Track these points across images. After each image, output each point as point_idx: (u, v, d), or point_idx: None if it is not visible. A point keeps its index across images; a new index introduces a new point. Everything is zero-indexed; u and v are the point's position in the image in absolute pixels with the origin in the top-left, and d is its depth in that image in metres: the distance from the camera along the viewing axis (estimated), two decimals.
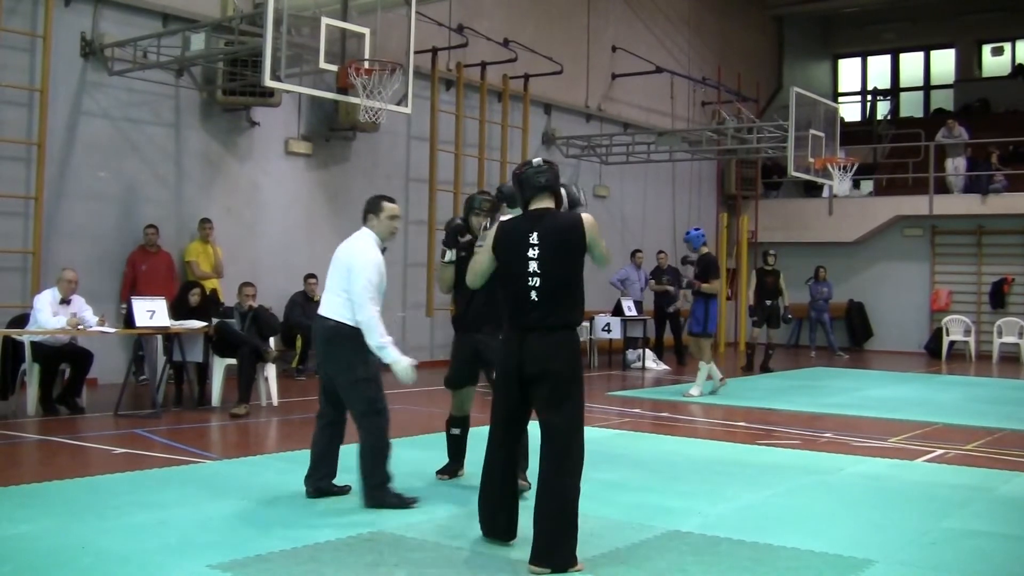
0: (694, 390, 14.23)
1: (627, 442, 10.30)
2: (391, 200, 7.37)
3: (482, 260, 6.12)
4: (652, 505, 7.27)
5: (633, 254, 19.90)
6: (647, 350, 18.81)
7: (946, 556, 6.17)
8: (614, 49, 21.88)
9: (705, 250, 14.72)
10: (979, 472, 9.00)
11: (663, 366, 18.65)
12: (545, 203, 5.88)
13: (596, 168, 21.58)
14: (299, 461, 7.62)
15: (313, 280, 15.30)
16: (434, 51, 17.57)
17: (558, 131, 20.81)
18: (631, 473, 8.53)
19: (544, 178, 5.90)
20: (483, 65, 18.54)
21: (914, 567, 5.90)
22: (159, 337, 11.86)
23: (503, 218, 6.23)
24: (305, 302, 15.28)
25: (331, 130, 16.54)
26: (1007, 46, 30.34)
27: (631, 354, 18.95)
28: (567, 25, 20.85)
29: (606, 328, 18.57)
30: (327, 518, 6.62)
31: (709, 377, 14.36)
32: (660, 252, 20.43)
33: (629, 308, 18.95)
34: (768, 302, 18.34)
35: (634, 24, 22.46)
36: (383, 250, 7.20)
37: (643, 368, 18.39)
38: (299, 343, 15.34)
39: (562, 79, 20.06)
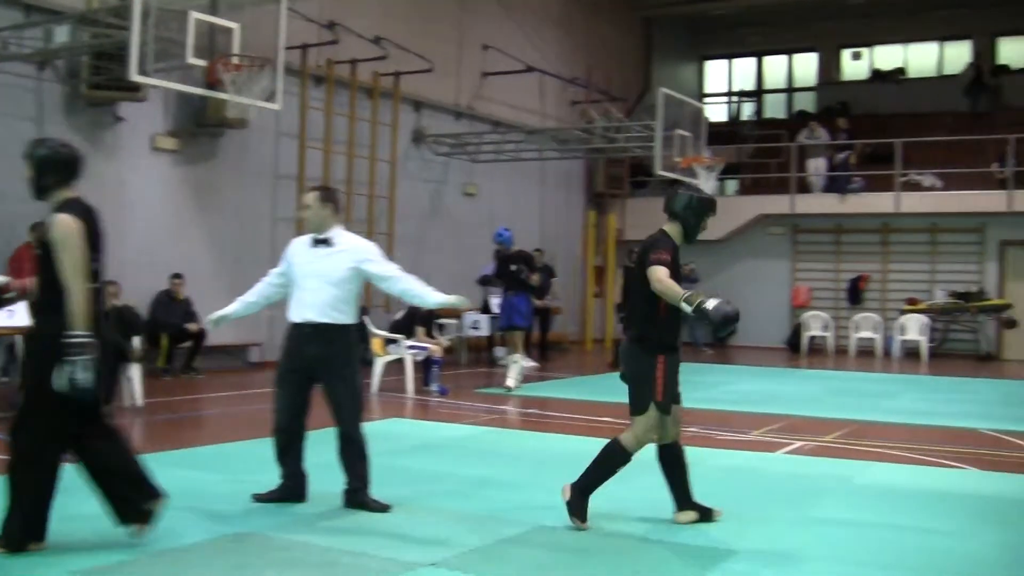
0: (510, 381, 14.57)
1: (495, 438, 10.40)
2: (309, 191, 7.38)
3: None
4: (519, 501, 7.38)
5: (497, 251, 19.94)
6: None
7: (806, 545, 6.38)
8: (485, 48, 21.95)
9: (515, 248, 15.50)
10: (837, 463, 9.30)
11: (531, 363, 18.78)
12: None
13: (466, 166, 21.64)
14: (164, 462, 7.51)
15: (179, 279, 15.09)
16: (304, 47, 17.44)
17: (428, 129, 20.81)
18: (498, 469, 8.62)
19: None
20: (353, 62, 18.46)
21: (775, 556, 6.09)
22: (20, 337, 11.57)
23: None
24: (170, 301, 15.07)
25: (199, 126, 16.27)
26: (866, 51, 31.21)
27: (499, 351, 19.05)
28: (439, 23, 20.85)
29: (474, 325, 18.66)
30: (193, 519, 6.55)
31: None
32: (537, 250, 20.55)
33: (497, 305, 19.01)
34: None
35: (505, 23, 22.57)
36: (324, 241, 7.08)
37: (507, 366, 18.47)
38: (164, 343, 15.10)
39: (433, 77, 20.06)
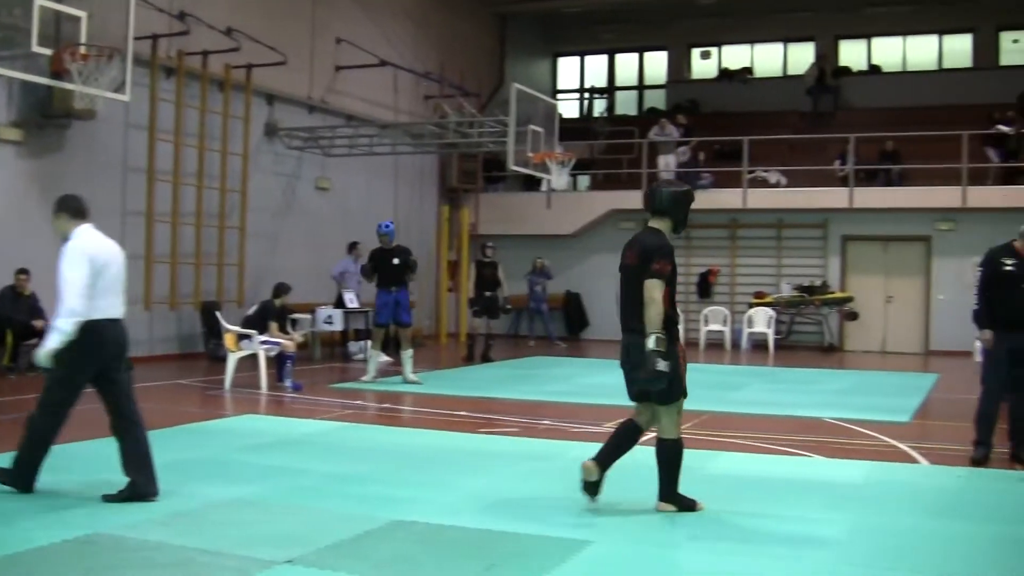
0: (366, 377, 14.82)
1: (351, 434, 10.35)
2: None
3: None
4: (377, 495, 7.37)
5: (351, 247, 19.90)
6: (369, 341, 18.88)
7: (659, 532, 6.55)
8: (339, 41, 21.78)
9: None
10: (688, 453, 9.45)
11: (386, 357, 18.74)
12: None
13: (319, 160, 21.46)
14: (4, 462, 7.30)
15: (24, 275, 14.66)
16: (154, 38, 17.08)
17: (281, 122, 20.56)
18: (355, 465, 8.60)
19: None
20: (205, 54, 18.14)
21: (629, 544, 6.22)
22: None
23: None
24: (15, 297, 14.65)
25: (45, 117, 15.75)
26: (715, 50, 31.92)
27: (353, 346, 19.00)
28: (291, 16, 20.61)
29: (328, 320, 18.55)
30: (43, 521, 6.40)
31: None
32: None
33: (351, 300, 18.99)
34: (487, 293, 18.69)
35: (359, 17, 22.44)
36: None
37: (366, 360, 18.44)
38: (9, 340, 14.66)
39: (286, 70, 19.84)
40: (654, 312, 6.74)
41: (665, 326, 6.78)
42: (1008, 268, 8.87)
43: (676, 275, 7.04)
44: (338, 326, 18.77)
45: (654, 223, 7.25)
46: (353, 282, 19.43)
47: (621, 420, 7.35)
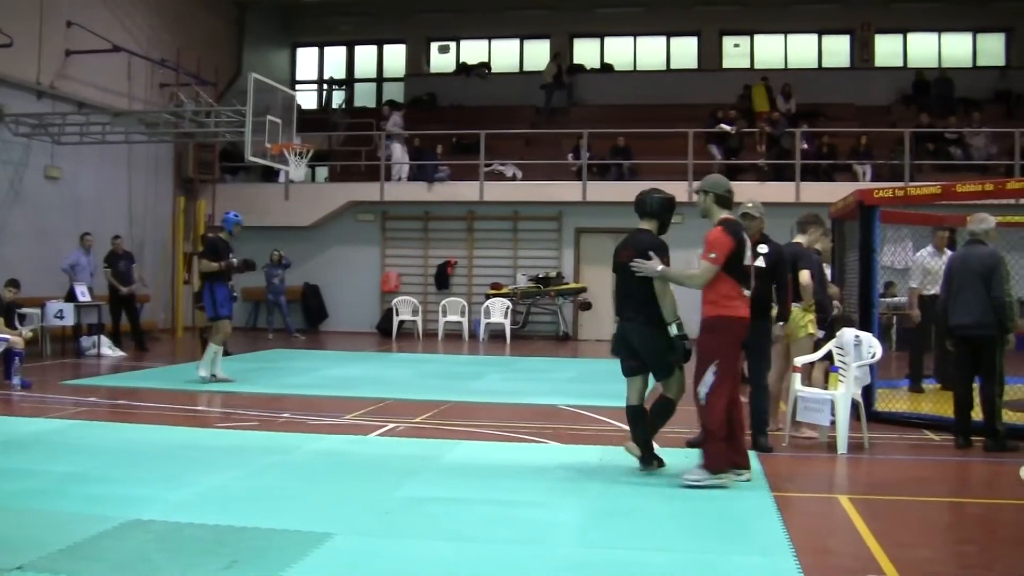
0: (202, 371, 14.17)
1: (84, 432, 10.07)
2: None
3: None
4: (112, 495, 7.23)
5: (82, 237, 19.26)
6: (103, 336, 18.37)
7: (401, 523, 6.67)
8: (69, 24, 20.91)
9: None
10: (427, 443, 9.69)
11: (119, 352, 18.27)
12: None
13: (48, 148, 20.55)
14: None
15: None
16: None
17: (7, 108, 19.59)
18: (88, 464, 8.39)
19: None
20: None
21: (371, 536, 6.33)
22: None
23: None
24: None
25: None
26: (453, 45, 32.27)
27: (85, 341, 18.40)
28: None
29: (59, 315, 17.90)
30: None
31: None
32: (116, 237, 19.98)
33: (83, 294, 18.40)
34: None
35: (92, 0, 21.65)
36: None
37: (99, 355, 17.94)
38: None
39: (11, 53, 18.92)
40: (670, 301, 8.00)
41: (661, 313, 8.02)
42: None
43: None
44: (69, 321, 18.11)
45: (644, 224, 8.42)
46: (85, 275, 18.82)
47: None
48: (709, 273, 7.90)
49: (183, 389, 13.59)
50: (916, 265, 14.03)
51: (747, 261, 8.06)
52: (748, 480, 7.95)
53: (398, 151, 25.62)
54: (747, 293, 8.04)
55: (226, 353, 16.66)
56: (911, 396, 13.20)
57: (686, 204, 23.30)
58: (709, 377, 7.83)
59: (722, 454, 7.87)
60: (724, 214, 8.15)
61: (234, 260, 14.51)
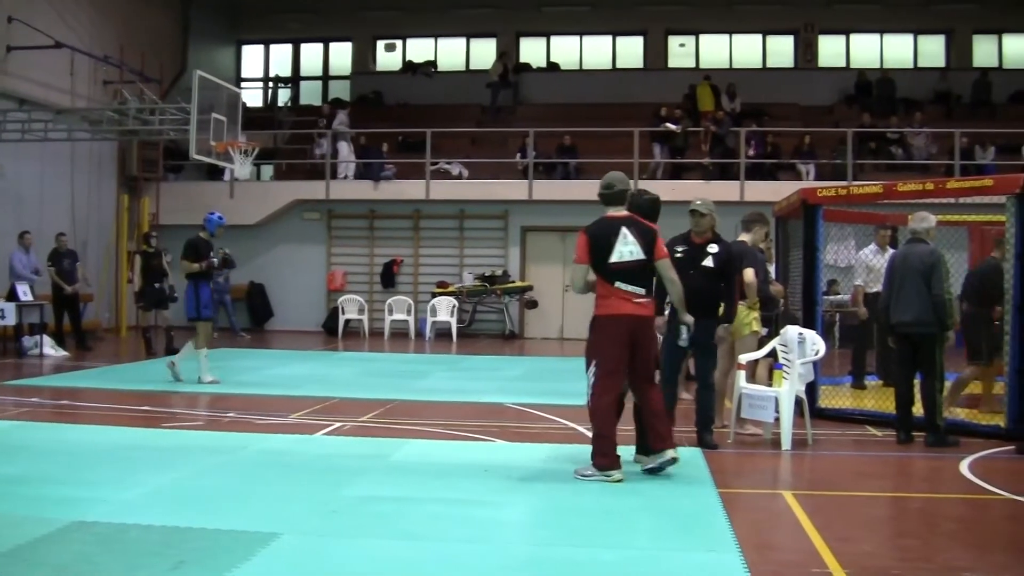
0: (207, 376, 13.94)
1: (25, 433, 9.96)
2: None
3: None
4: (55, 497, 7.13)
5: (21, 236, 19.02)
6: (45, 336, 18.16)
7: (347, 522, 6.65)
8: (10, 20, 20.62)
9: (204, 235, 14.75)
10: (374, 442, 9.67)
11: (62, 352, 18.06)
12: None
13: None
14: None
15: None
16: None
17: None
18: (30, 465, 8.29)
19: None
20: None
21: (317, 536, 6.30)
22: None
23: None
24: None
25: None
26: (399, 43, 32.23)
27: (27, 340, 18.17)
28: None
29: None
30: None
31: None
32: (61, 234, 19.75)
33: (24, 293, 18.18)
34: (156, 284, 18.39)
35: None
36: None
37: (41, 355, 17.73)
38: None
39: None
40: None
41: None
42: (678, 255, 9.39)
43: None
44: (10, 320, 17.89)
45: None
46: (26, 273, 18.59)
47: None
48: (576, 273, 8.20)
49: (128, 389, 13.48)
50: (859, 263, 14.18)
51: (616, 258, 7.98)
52: (620, 480, 7.80)
53: (344, 149, 25.55)
54: (627, 289, 7.95)
55: (172, 351, 16.58)
56: (854, 392, 13.36)
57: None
58: (589, 378, 7.95)
59: (610, 452, 7.88)
60: (609, 211, 8.21)
61: (215, 259, 14.50)
